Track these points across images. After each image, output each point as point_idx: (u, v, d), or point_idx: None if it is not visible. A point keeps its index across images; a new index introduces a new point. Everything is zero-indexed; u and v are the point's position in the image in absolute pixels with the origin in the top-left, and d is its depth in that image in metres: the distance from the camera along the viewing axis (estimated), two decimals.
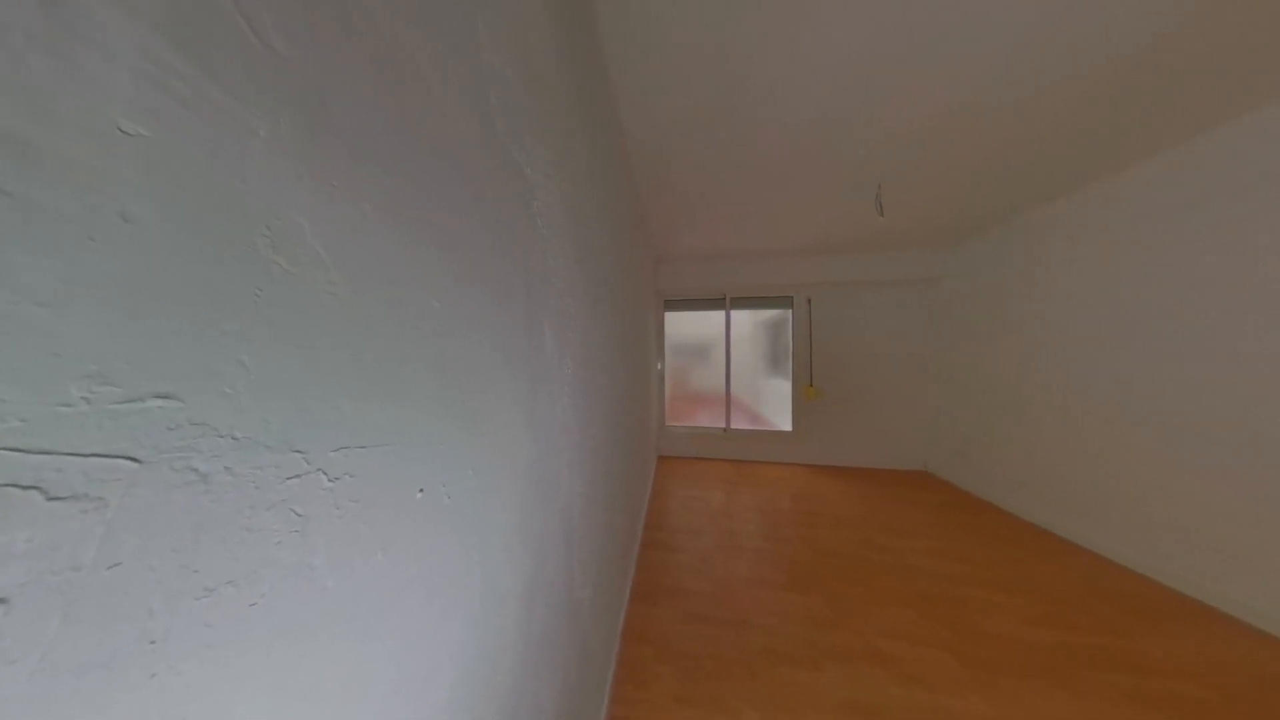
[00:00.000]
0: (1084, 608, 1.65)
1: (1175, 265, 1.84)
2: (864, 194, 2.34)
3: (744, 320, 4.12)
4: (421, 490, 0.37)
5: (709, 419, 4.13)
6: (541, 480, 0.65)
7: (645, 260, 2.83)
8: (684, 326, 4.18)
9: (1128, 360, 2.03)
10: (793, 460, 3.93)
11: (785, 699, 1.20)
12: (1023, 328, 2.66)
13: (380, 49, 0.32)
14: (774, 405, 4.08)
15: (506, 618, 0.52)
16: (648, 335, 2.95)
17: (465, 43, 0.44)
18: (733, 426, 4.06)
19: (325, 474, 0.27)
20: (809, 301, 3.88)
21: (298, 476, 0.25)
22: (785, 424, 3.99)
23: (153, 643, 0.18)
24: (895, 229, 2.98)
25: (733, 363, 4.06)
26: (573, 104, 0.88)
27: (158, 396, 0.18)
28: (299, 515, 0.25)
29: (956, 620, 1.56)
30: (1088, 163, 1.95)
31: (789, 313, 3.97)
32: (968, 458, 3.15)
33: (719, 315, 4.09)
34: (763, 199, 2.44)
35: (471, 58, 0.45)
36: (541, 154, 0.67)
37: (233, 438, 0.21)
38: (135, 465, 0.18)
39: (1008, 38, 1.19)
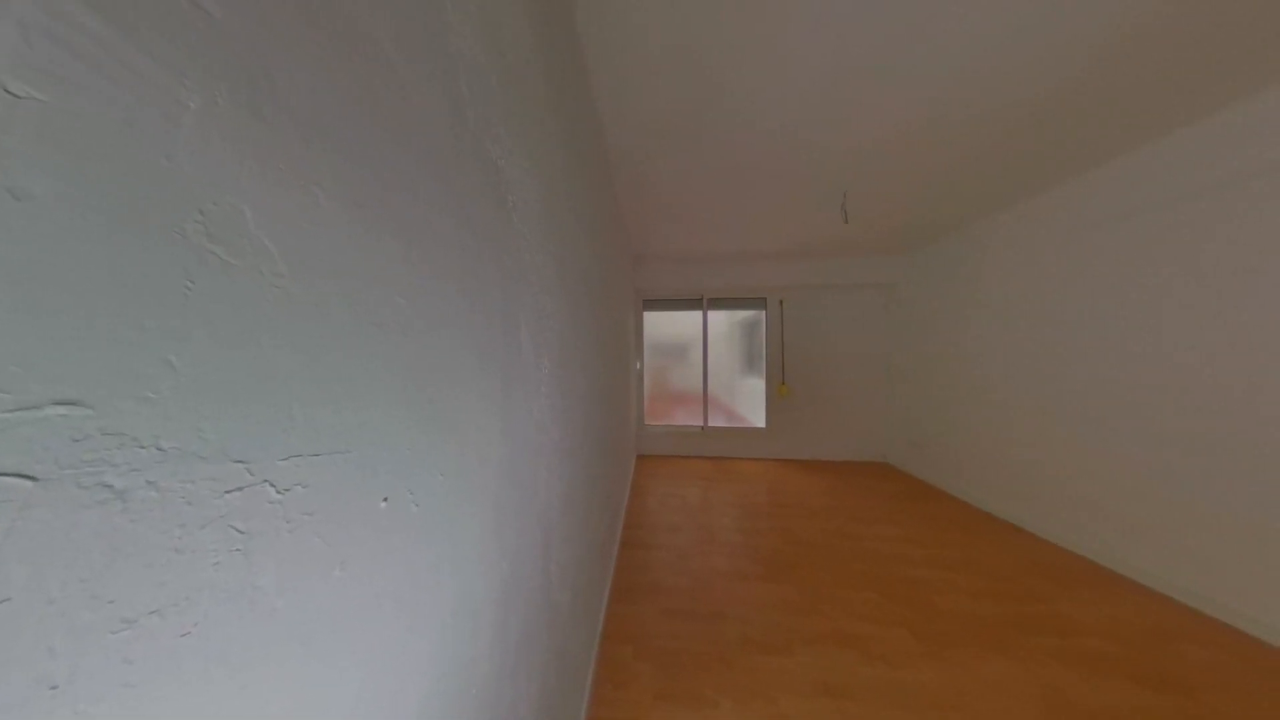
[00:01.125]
0: (1018, 581, 1.83)
1: (1094, 274, 2.06)
2: (831, 202, 2.45)
3: (721, 321, 4.20)
4: (386, 499, 0.34)
5: (687, 417, 4.18)
6: (518, 483, 0.63)
7: (624, 259, 2.83)
8: (663, 326, 4.21)
9: (1052, 359, 2.26)
10: (767, 455, 4.06)
11: (760, 685, 1.24)
12: (969, 330, 2.90)
13: (335, 22, 0.29)
14: (749, 403, 4.19)
15: (481, 626, 0.50)
16: (627, 334, 2.95)
17: (432, 21, 0.42)
18: (710, 424, 4.13)
19: (273, 485, 0.24)
20: (781, 303, 4.03)
21: (239, 489, 0.23)
22: (759, 421, 4.11)
23: (54, 688, 0.16)
24: (858, 236, 3.15)
25: (710, 362, 4.13)
26: (549, 98, 0.86)
27: (60, 403, 0.16)
28: (241, 532, 0.23)
29: (914, 599, 1.69)
30: (1025, 179, 2.14)
31: (763, 314, 4.10)
32: (923, 449, 3.40)
33: (696, 315, 4.14)
34: (737, 203, 2.49)
35: (439, 39, 0.43)
36: (517, 148, 0.65)
37: (158, 449, 0.19)
38: (30, 484, 0.15)
39: (956, 64, 1.30)
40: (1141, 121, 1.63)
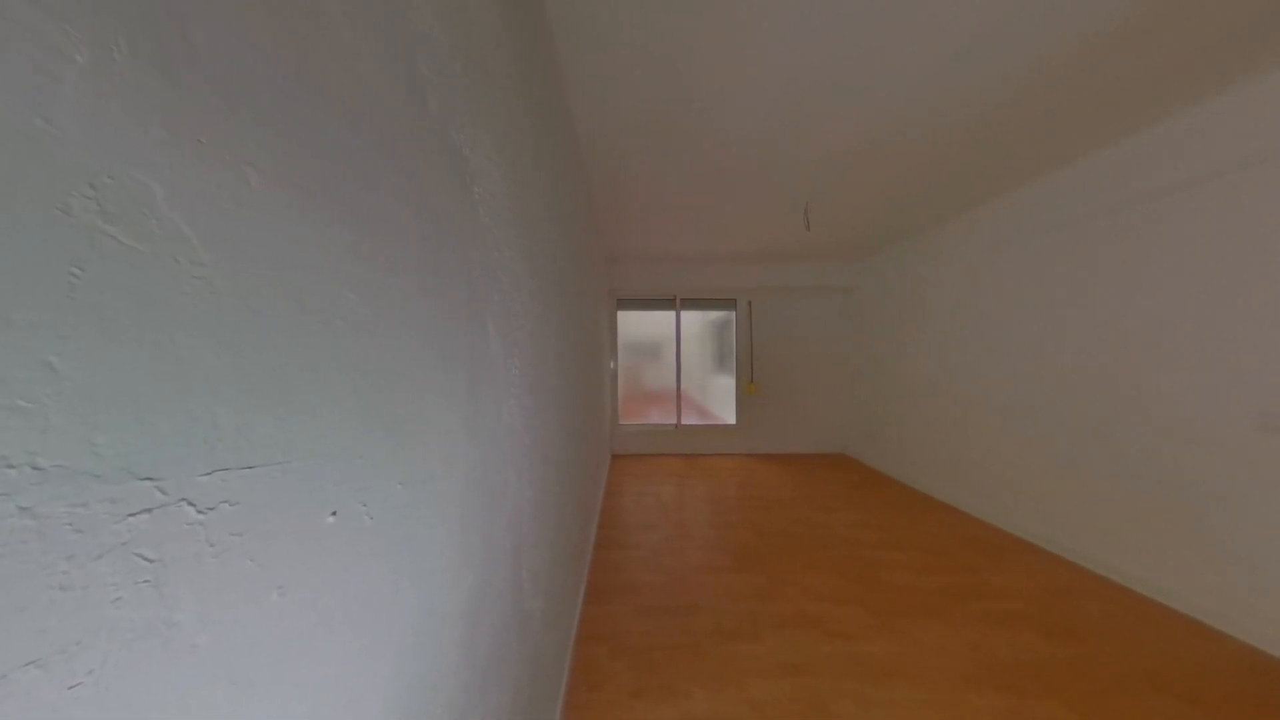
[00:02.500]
0: (954, 555, 2.04)
1: (1015, 283, 2.33)
2: (795, 209, 2.57)
3: (693, 321, 4.27)
4: (334, 513, 0.31)
5: (661, 415, 4.22)
6: (486, 489, 0.60)
7: (598, 259, 2.80)
8: (637, 326, 4.21)
9: (983, 358, 2.54)
10: (737, 451, 4.19)
11: (730, 672, 1.28)
12: (914, 331, 3.17)
13: None
14: (720, 400, 4.30)
15: (447, 642, 0.47)
16: (601, 334, 2.92)
17: None
18: (683, 422, 4.19)
19: (192, 505, 0.21)
20: (750, 304, 4.17)
21: (147, 511, 0.19)
22: (730, 417, 4.23)
23: None
24: (820, 242, 3.34)
25: (683, 361, 4.19)
26: (518, 87, 0.82)
27: None
28: (150, 560, 0.19)
29: (868, 578, 1.82)
30: (961, 195, 2.38)
31: (733, 314, 4.21)
32: (876, 441, 3.68)
33: (670, 315, 4.18)
34: (708, 206, 2.54)
35: (396, 14, 0.40)
36: (483, 138, 0.62)
37: (33, 468, 0.16)
38: None
39: (904, 86, 1.42)
40: (1051, 149, 1.86)
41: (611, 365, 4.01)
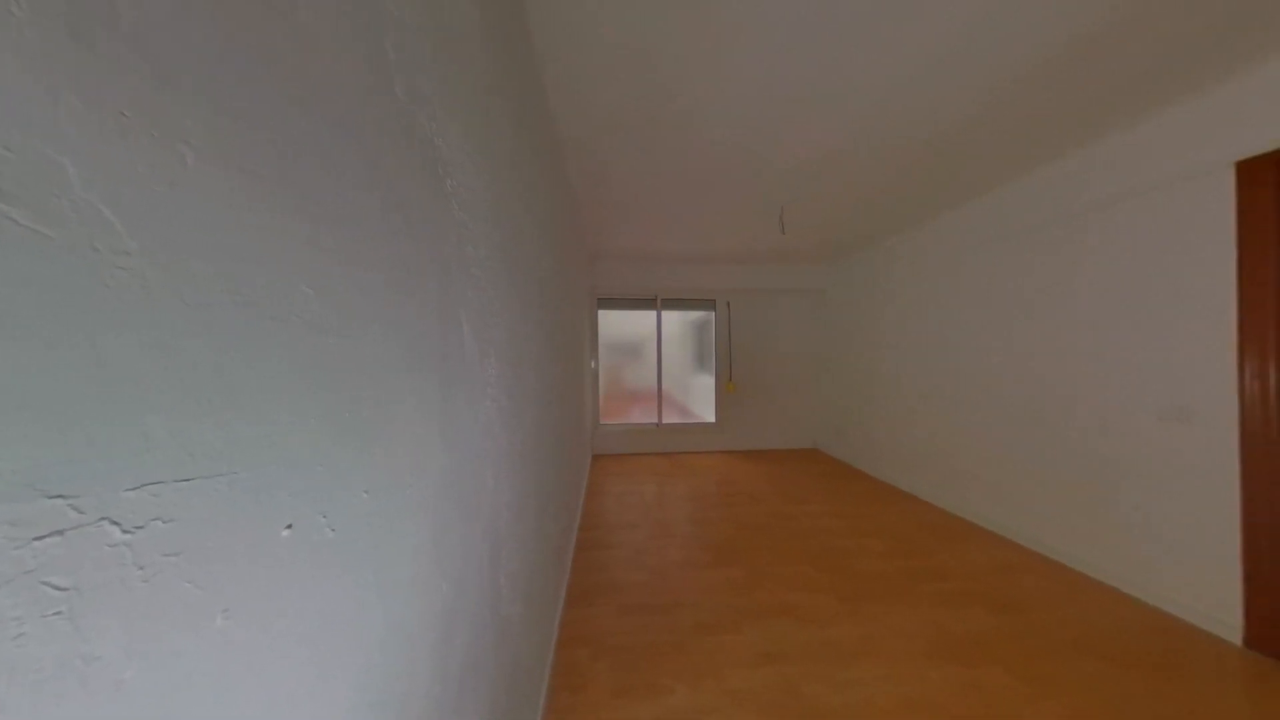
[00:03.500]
0: (913, 540, 2.17)
1: (969, 288, 2.51)
2: (771, 213, 2.65)
3: (674, 320, 4.30)
4: (289, 526, 0.29)
5: (642, 415, 4.23)
6: (461, 493, 0.58)
7: (579, 257, 2.76)
8: (617, 325, 4.20)
9: (940, 357, 2.72)
10: (717, 448, 4.26)
11: (710, 665, 1.30)
12: (880, 332, 3.36)
13: None
14: (700, 399, 4.36)
15: (418, 656, 0.45)
16: (582, 333, 2.89)
17: None
18: (665, 421, 4.21)
19: (116, 524, 0.19)
20: (728, 305, 4.25)
21: (58, 533, 0.17)
22: (710, 416, 4.30)
23: None
24: (794, 246, 3.46)
25: (664, 361, 4.21)
26: (495, 80, 0.80)
27: None
28: (61, 589, 0.17)
29: (838, 566, 1.91)
30: (922, 206, 2.54)
31: (712, 314, 4.28)
32: (845, 435, 3.88)
33: (651, 315, 4.20)
34: (689, 207, 2.57)
35: None
36: (457, 128, 0.59)
37: None
38: None
39: (870, 100, 1.50)
40: (995, 168, 2.04)
41: (593, 365, 3.98)
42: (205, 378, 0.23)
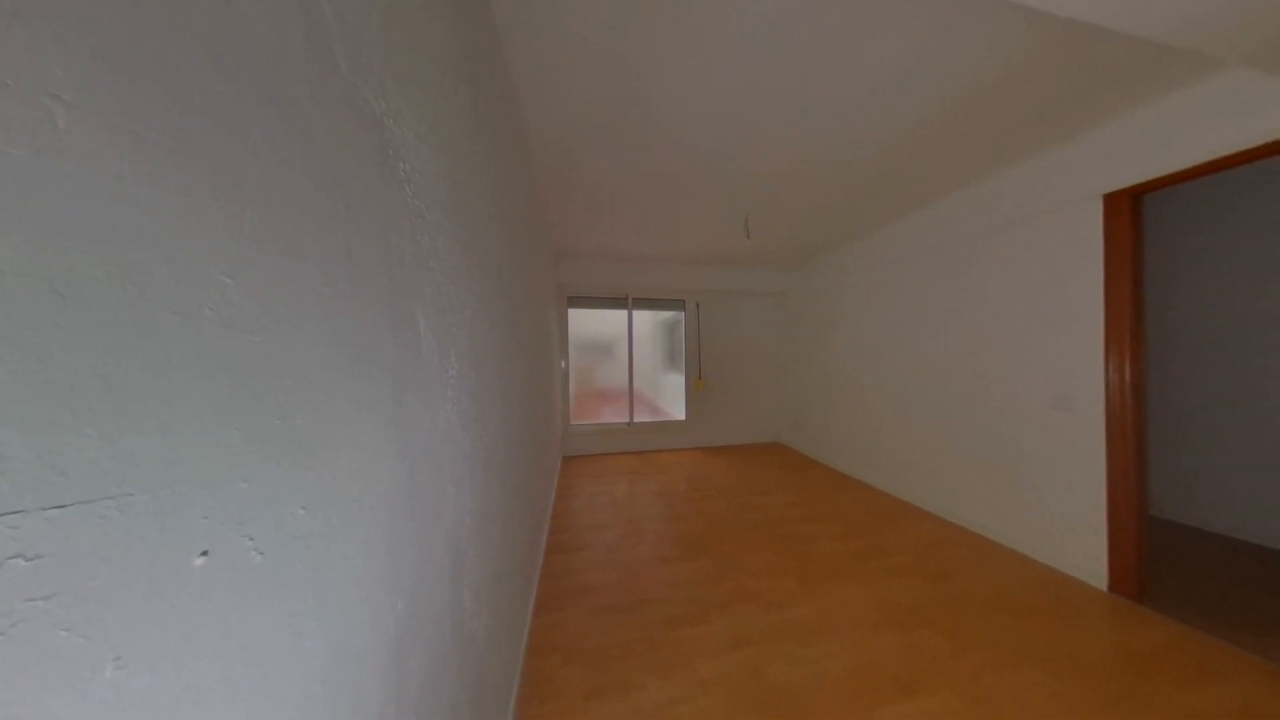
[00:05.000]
0: (862, 523, 2.35)
1: (910, 292, 2.76)
2: (737, 219, 2.75)
3: (645, 320, 4.32)
4: (205, 553, 0.25)
5: (614, 414, 4.21)
6: (418, 504, 0.54)
7: (546, 253, 2.69)
8: (588, 324, 4.14)
9: (883, 354, 2.98)
10: (687, 445, 4.35)
11: (681, 657, 1.33)
12: (835, 333, 3.62)
13: None
14: (671, 397, 4.42)
15: (368, 685, 0.41)
16: (550, 331, 2.82)
17: None
18: (636, 420, 4.23)
19: None
20: (698, 305, 4.35)
21: None
22: (680, 413, 4.37)
23: None
24: (759, 251, 3.62)
25: (635, 360, 4.22)
26: (454, 61, 0.75)
27: None
28: None
29: (798, 551, 2.02)
30: (868, 218, 2.76)
31: (682, 314, 4.36)
32: (804, 429, 4.13)
33: (622, 314, 4.18)
34: (658, 208, 2.59)
35: None
36: (410, 109, 0.55)
37: None
38: None
39: (828, 117, 1.61)
40: (929, 187, 2.27)
41: (562, 365, 3.89)
42: (83, 384, 0.19)
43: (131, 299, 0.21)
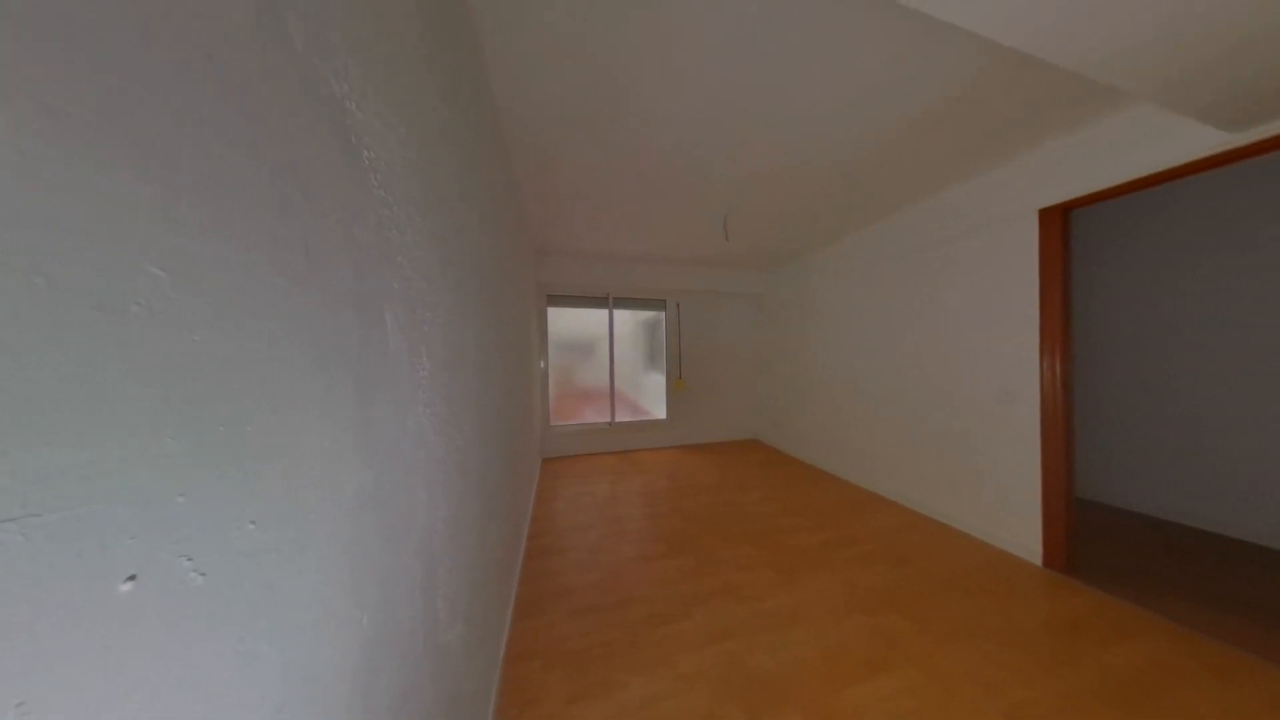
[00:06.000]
0: (832, 514, 2.46)
1: (877, 295, 2.92)
2: (717, 220, 2.80)
3: (626, 319, 4.31)
4: (132, 577, 0.23)
5: (595, 414, 4.17)
6: (386, 512, 0.51)
7: (525, 249, 2.63)
8: (569, 323, 4.08)
9: (854, 353, 3.14)
10: (668, 444, 4.38)
11: (663, 654, 1.33)
12: (809, 333, 3.77)
13: None
14: (652, 396, 4.44)
15: (329, 708, 0.38)
16: (529, 330, 2.76)
17: None
18: (617, 419, 4.21)
19: None
20: (678, 305, 4.39)
21: None
22: (661, 412, 4.40)
23: None
24: (738, 252, 3.70)
25: (617, 359, 4.20)
26: (422, 42, 0.71)
27: None
28: None
29: (775, 544, 2.09)
30: (842, 223, 2.88)
31: (663, 314, 4.38)
32: (780, 426, 4.27)
33: (603, 313, 4.15)
34: (639, 207, 2.58)
35: None
36: (375, 92, 0.52)
37: None
38: None
39: (804, 127, 1.68)
40: (896, 195, 2.41)
41: (542, 364, 3.82)
42: None
43: (38, 292, 0.19)
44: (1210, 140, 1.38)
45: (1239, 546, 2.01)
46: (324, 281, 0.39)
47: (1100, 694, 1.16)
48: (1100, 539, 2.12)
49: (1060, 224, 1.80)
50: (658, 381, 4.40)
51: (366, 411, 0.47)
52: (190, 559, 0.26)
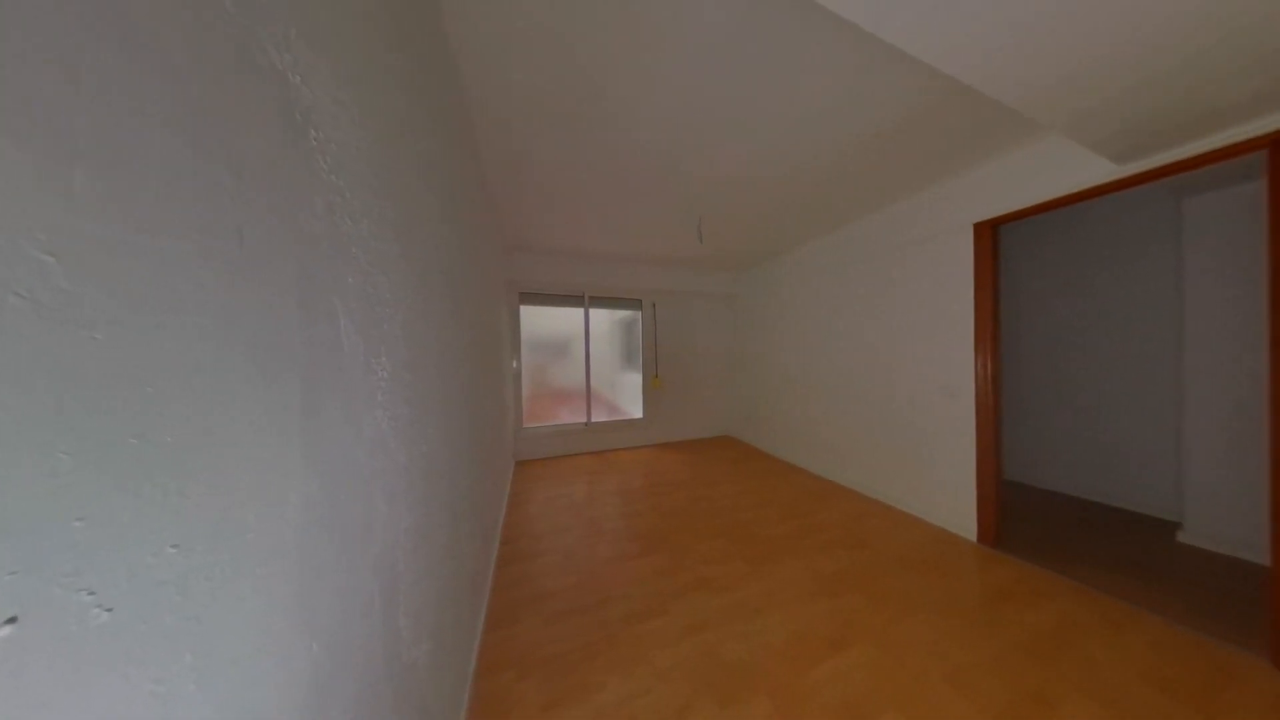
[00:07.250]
0: (798, 505, 2.59)
1: (839, 298, 3.10)
2: (690, 223, 2.85)
3: (602, 318, 4.28)
4: (13, 619, 0.19)
5: (571, 415, 4.11)
6: (338, 527, 0.47)
7: (495, 246, 2.53)
8: (543, 322, 3.99)
9: (820, 352, 3.31)
10: (644, 443, 4.40)
11: (639, 652, 1.34)
12: (779, 333, 3.93)
13: None
14: (628, 396, 4.43)
15: None
16: (500, 330, 2.66)
17: None
18: (594, 419, 4.17)
19: None
20: (654, 305, 4.42)
21: None
22: (637, 412, 4.40)
23: None
24: (711, 254, 3.79)
25: (593, 358, 4.15)
26: (381, 15, 0.66)
27: None
28: None
29: (746, 536, 2.16)
30: (808, 228, 3.04)
31: (639, 313, 4.39)
32: (752, 422, 4.44)
33: (579, 312, 4.09)
34: (614, 207, 2.57)
35: None
36: (325, 67, 0.47)
37: None
38: None
39: (774, 135, 1.75)
40: (856, 204, 2.57)
41: (515, 365, 3.71)
42: None
43: None
44: (1105, 170, 1.62)
45: (1128, 516, 2.39)
46: (262, 274, 0.35)
47: (1026, 650, 1.33)
48: (1023, 515, 2.40)
49: (990, 237, 2.03)
50: (634, 380, 4.40)
51: (314, 417, 0.43)
52: (92, 593, 0.22)
